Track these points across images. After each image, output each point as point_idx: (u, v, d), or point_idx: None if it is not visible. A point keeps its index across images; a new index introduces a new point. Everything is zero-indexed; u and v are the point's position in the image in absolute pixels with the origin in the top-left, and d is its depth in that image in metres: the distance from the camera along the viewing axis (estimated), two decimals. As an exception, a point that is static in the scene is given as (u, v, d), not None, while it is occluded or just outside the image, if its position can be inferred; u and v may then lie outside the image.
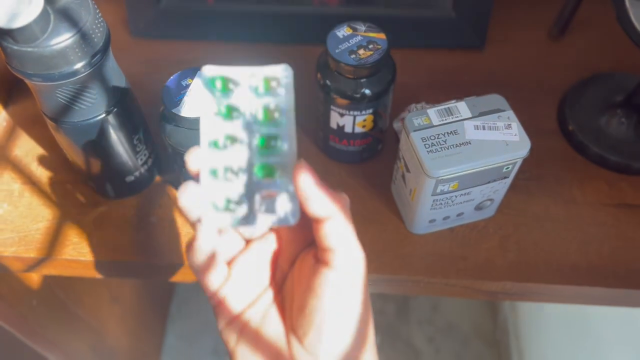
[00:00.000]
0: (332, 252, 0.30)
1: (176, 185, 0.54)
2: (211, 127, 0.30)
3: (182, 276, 0.52)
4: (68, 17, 0.37)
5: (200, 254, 0.31)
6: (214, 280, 0.33)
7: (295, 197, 0.30)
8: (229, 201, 0.29)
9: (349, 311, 0.31)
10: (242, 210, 0.30)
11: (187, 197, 0.29)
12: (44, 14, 0.36)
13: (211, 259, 0.32)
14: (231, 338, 0.33)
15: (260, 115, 0.31)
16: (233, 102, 0.31)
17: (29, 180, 0.55)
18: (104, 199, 0.54)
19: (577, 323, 0.87)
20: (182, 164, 0.47)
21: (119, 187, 0.52)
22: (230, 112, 0.31)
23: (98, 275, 0.53)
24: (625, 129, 0.56)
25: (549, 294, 0.51)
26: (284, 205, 0.30)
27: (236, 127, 0.30)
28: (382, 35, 0.47)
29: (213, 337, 1.23)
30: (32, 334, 0.68)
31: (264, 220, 0.30)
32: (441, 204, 0.47)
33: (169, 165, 0.55)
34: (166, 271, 0.52)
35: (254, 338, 0.33)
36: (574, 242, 0.51)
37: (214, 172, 0.30)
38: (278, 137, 0.30)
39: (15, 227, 0.52)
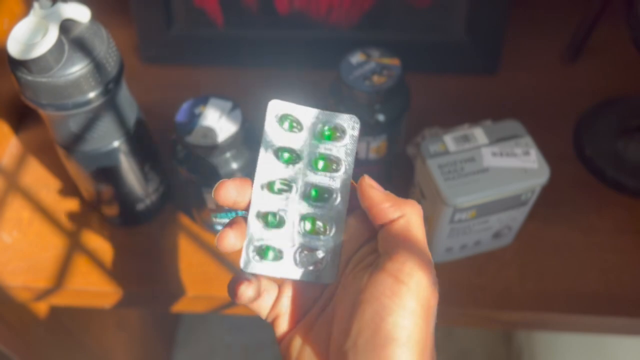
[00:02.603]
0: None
1: (189, 213, 0.54)
2: (268, 168, 0.29)
3: (193, 306, 0.51)
4: (82, 47, 0.37)
5: (247, 299, 0.30)
6: (263, 307, 0.31)
7: (336, 257, 0.29)
8: (271, 249, 0.28)
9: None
10: (283, 260, 0.28)
11: (227, 243, 0.28)
12: (58, 45, 0.36)
13: (257, 294, 0.30)
14: (285, 353, 0.31)
15: (320, 165, 0.29)
16: (294, 145, 0.29)
17: (39, 208, 0.55)
18: (114, 227, 0.53)
19: (594, 350, 0.85)
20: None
21: (129, 215, 0.51)
22: (291, 155, 0.29)
23: (107, 306, 0.52)
24: (643, 154, 0.55)
25: (570, 324, 0.50)
26: (323, 263, 0.29)
27: (292, 172, 0.29)
28: (396, 62, 0.47)
29: (220, 363, 1.21)
30: (39, 364, 0.67)
31: (301, 274, 0.29)
32: (458, 232, 0.46)
33: (180, 193, 0.54)
34: (177, 301, 0.51)
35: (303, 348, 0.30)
36: (593, 271, 0.50)
37: (261, 216, 0.28)
38: (332, 190, 0.29)
39: (24, 256, 0.52)
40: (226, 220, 0.49)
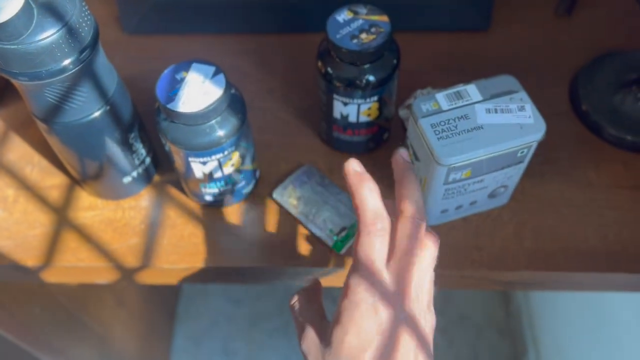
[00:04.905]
0: None
1: (177, 184, 0.52)
2: None
3: (184, 278, 0.51)
4: (52, 11, 0.35)
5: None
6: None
7: None
8: None
9: None
10: None
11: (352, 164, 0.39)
12: (26, 9, 0.34)
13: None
14: None
15: None
16: None
17: (24, 185, 0.53)
18: (102, 201, 0.52)
19: (593, 309, 0.85)
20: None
21: (116, 189, 0.50)
22: None
23: (98, 281, 0.52)
24: (640, 107, 0.54)
25: (569, 282, 0.49)
26: None
27: None
28: (384, 18, 0.45)
29: (222, 336, 1.22)
30: (36, 343, 0.67)
31: None
32: (453, 192, 0.45)
33: (167, 164, 0.53)
34: (170, 274, 0.50)
35: None
36: (591, 227, 0.49)
37: None
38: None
39: (11, 235, 0.51)
40: (215, 190, 0.48)
